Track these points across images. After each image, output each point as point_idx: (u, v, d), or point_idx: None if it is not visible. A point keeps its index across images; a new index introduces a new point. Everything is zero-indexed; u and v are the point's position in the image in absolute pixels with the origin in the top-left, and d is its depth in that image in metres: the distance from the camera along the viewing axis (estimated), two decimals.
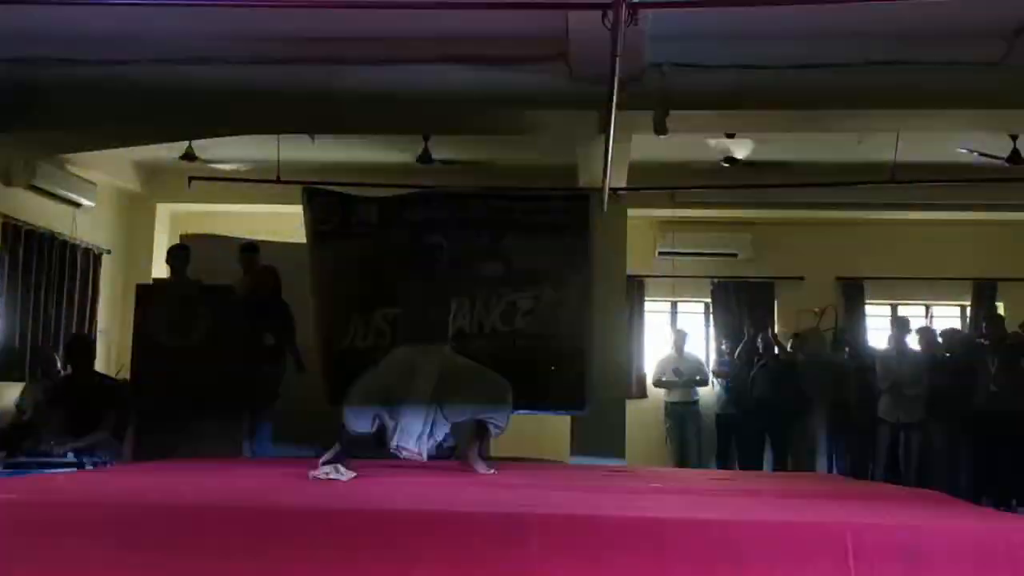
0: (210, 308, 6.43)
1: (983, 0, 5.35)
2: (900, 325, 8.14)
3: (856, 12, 5.45)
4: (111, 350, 8.91)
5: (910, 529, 2.80)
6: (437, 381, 4.66)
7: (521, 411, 7.22)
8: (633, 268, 9.34)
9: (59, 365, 7.55)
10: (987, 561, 2.67)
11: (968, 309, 10.08)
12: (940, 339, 8.06)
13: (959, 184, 8.46)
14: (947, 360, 7.74)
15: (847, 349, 9.06)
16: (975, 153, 7.69)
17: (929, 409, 7.64)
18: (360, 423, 4.64)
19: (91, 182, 8.73)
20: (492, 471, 4.69)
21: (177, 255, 7.31)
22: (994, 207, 9.19)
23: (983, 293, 9.91)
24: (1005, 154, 7.67)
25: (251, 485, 4.03)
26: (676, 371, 9.18)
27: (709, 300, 10.25)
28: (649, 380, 9.66)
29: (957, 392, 7.35)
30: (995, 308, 9.54)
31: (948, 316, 10.06)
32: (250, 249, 7.51)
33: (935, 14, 5.52)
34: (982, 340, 7.54)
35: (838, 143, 8.19)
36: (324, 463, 4.37)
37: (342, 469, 4.23)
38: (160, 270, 9.31)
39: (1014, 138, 7.58)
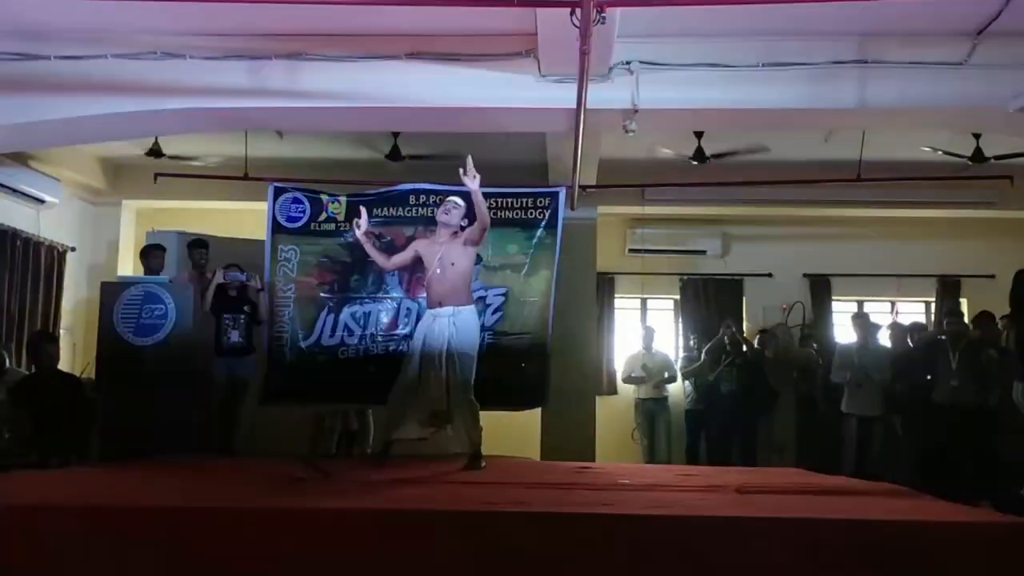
0: (176, 306, 6.35)
1: (947, 1, 5.42)
2: (861, 320, 8.23)
3: (822, 11, 5.50)
4: (75, 349, 8.78)
5: (873, 523, 2.84)
6: None
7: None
8: (603, 265, 9.39)
9: (23, 364, 7.44)
10: (946, 553, 2.72)
11: (932, 305, 10.22)
12: (907, 334, 8.16)
13: (924, 182, 8.59)
14: (909, 355, 7.83)
15: (814, 345, 9.16)
16: (939, 152, 7.79)
17: (891, 403, 7.73)
18: None
19: (55, 179, 8.60)
20: None
21: (154, 254, 7.20)
22: (958, 205, 9.32)
23: (947, 290, 10.05)
24: (968, 153, 7.78)
25: (222, 485, 4.00)
26: (645, 368, 9.22)
27: (678, 297, 10.31)
28: (619, 377, 9.70)
29: (919, 387, 7.44)
30: (958, 304, 9.68)
31: (913, 312, 10.18)
32: (199, 245, 7.43)
33: (900, 14, 5.59)
34: (943, 336, 7.63)
35: (805, 141, 8.25)
36: None
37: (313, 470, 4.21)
38: (126, 267, 9.20)
39: (977, 137, 7.69)
